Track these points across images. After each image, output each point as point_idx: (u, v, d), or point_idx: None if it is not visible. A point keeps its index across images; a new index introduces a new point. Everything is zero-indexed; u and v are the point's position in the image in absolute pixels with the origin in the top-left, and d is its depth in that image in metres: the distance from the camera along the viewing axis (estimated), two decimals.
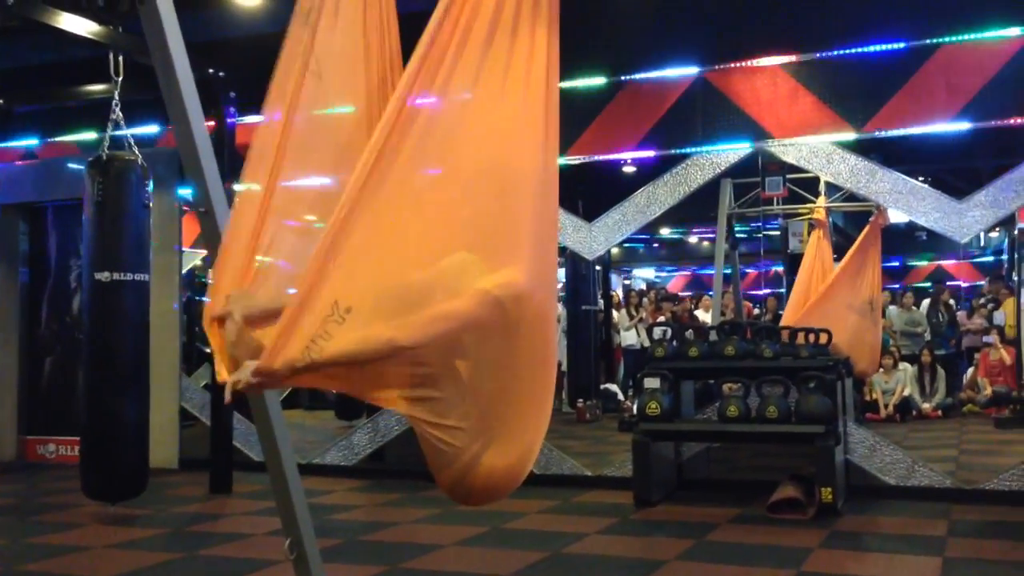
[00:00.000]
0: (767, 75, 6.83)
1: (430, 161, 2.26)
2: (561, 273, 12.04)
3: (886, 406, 9.52)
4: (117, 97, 5.85)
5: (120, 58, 5.79)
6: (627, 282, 15.31)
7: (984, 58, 6.28)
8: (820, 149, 6.69)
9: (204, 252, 9.35)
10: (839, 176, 6.75)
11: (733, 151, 6.95)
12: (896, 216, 7.66)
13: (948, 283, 12.22)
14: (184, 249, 8.48)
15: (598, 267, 10.97)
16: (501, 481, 2.38)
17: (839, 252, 8.40)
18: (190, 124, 3.13)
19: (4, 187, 8.70)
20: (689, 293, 13.58)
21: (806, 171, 7.02)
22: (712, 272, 9.21)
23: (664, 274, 15.96)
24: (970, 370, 10.19)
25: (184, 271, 8.76)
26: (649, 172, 7.38)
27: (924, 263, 13.42)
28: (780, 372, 6.16)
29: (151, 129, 8.40)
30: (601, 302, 11.44)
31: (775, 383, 6.07)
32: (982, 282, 12.47)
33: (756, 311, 11.32)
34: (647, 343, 7.42)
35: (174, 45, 3.11)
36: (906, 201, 6.59)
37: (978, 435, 8.66)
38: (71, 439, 8.10)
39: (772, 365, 6.29)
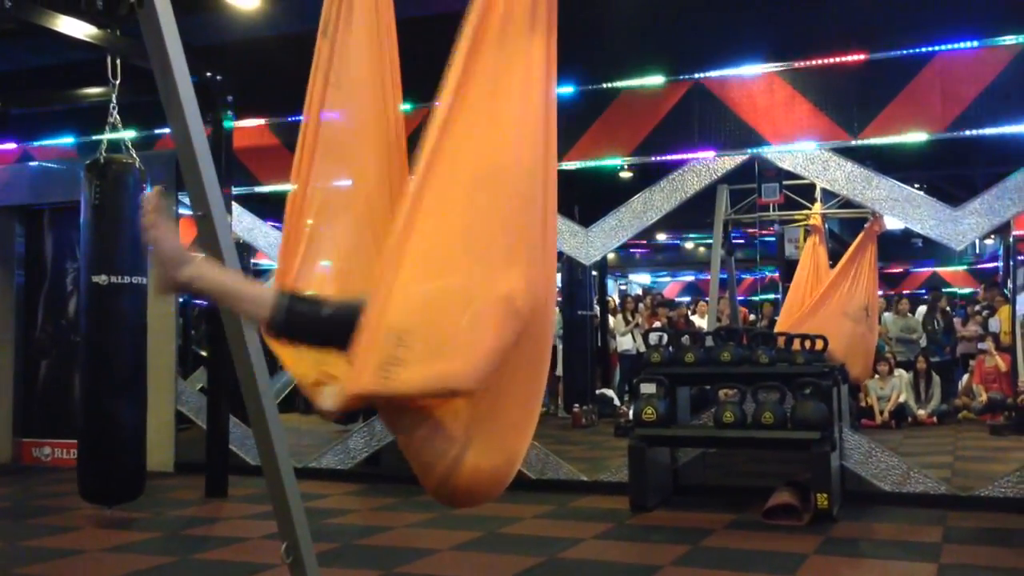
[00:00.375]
0: (764, 82, 6.85)
1: (445, 168, 2.30)
2: (557, 278, 12.06)
3: (882, 412, 9.53)
4: (115, 100, 5.85)
5: (118, 61, 5.80)
6: (623, 287, 15.32)
7: (979, 66, 6.31)
8: (816, 156, 6.72)
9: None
10: (835, 183, 6.77)
11: (730, 157, 6.97)
12: (892, 223, 7.67)
13: (944, 290, 12.24)
14: None
15: (594, 272, 10.98)
16: (486, 483, 2.38)
17: (835, 259, 8.42)
18: (188, 127, 3.13)
19: (1, 189, 8.70)
20: (685, 299, 13.58)
21: (802, 178, 7.04)
22: (708, 278, 9.23)
23: (661, 279, 15.96)
24: (965, 377, 10.20)
25: None
26: (646, 178, 7.40)
27: (920, 270, 13.45)
28: (776, 378, 6.17)
29: (148, 132, 8.40)
30: (597, 307, 11.45)
31: (771, 389, 6.08)
32: (977, 289, 12.50)
33: (752, 317, 11.33)
34: (643, 348, 7.42)
35: (172, 48, 3.12)
36: (902, 208, 6.61)
37: (973, 441, 8.68)
38: (67, 442, 8.09)
39: (768, 371, 6.30)
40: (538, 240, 2.34)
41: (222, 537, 5.65)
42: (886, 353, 9.96)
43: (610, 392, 10.98)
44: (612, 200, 7.40)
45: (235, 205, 7.69)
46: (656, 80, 7.14)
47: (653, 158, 7.17)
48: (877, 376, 9.42)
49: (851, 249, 8.11)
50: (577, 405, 10.23)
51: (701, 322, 10.62)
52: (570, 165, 7.19)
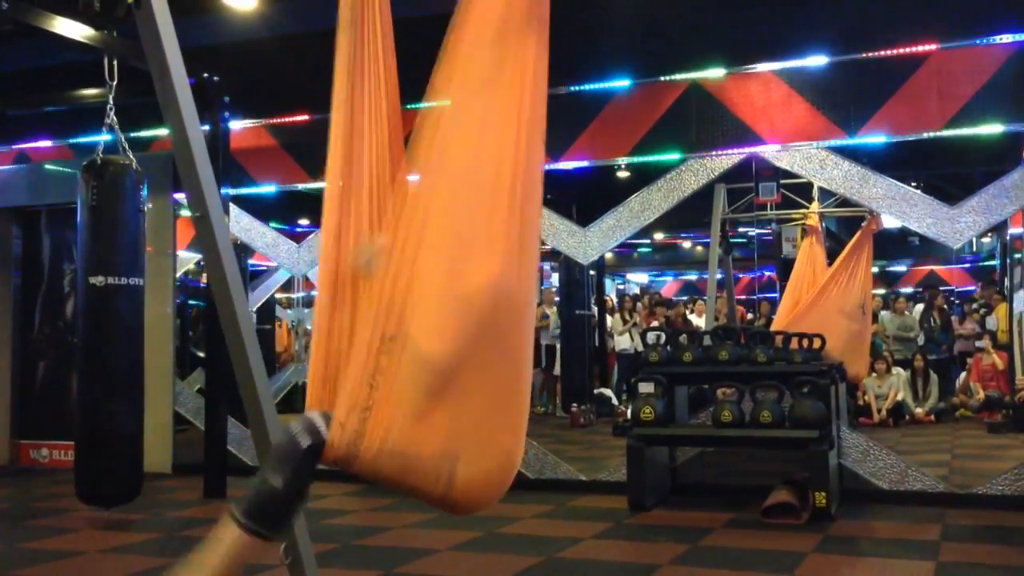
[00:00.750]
0: (761, 81, 6.86)
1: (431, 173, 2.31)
2: (555, 278, 12.07)
3: (879, 411, 9.55)
4: (112, 101, 5.85)
5: (115, 62, 5.79)
6: (621, 287, 15.33)
7: (976, 65, 6.32)
8: (813, 155, 6.72)
9: (198, 256, 9.35)
10: (832, 182, 6.78)
11: (727, 157, 6.97)
12: (889, 221, 7.68)
13: (941, 288, 12.25)
14: (178, 253, 8.49)
15: (592, 272, 10.99)
16: (483, 490, 2.37)
17: (832, 257, 8.43)
18: (185, 128, 3.14)
19: None
20: (683, 298, 13.59)
21: (799, 177, 7.04)
22: (706, 277, 9.24)
23: (658, 279, 15.97)
24: (963, 375, 10.22)
25: (178, 275, 8.76)
26: (643, 177, 7.40)
27: (917, 268, 13.47)
28: (774, 377, 6.17)
29: (146, 133, 8.40)
30: (595, 307, 11.46)
31: (769, 388, 6.08)
32: (974, 287, 12.52)
33: (750, 316, 11.34)
34: (641, 348, 7.42)
35: (169, 49, 3.12)
36: (899, 207, 6.61)
37: (971, 439, 8.69)
38: (65, 443, 8.08)
39: (766, 370, 6.31)
40: (515, 237, 2.34)
41: None
42: (883, 351, 9.97)
43: (608, 391, 10.99)
44: (610, 200, 7.41)
45: (232, 205, 7.69)
46: (653, 80, 7.14)
47: (650, 157, 7.18)
48: (875, 374, 9.43)
49: (848, 247, 8.12)
50: (575, 405, 10.24)
51: (699, 321, 10.62)
52: (567, 165, 7.19)
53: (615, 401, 10.68)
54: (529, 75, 2.42)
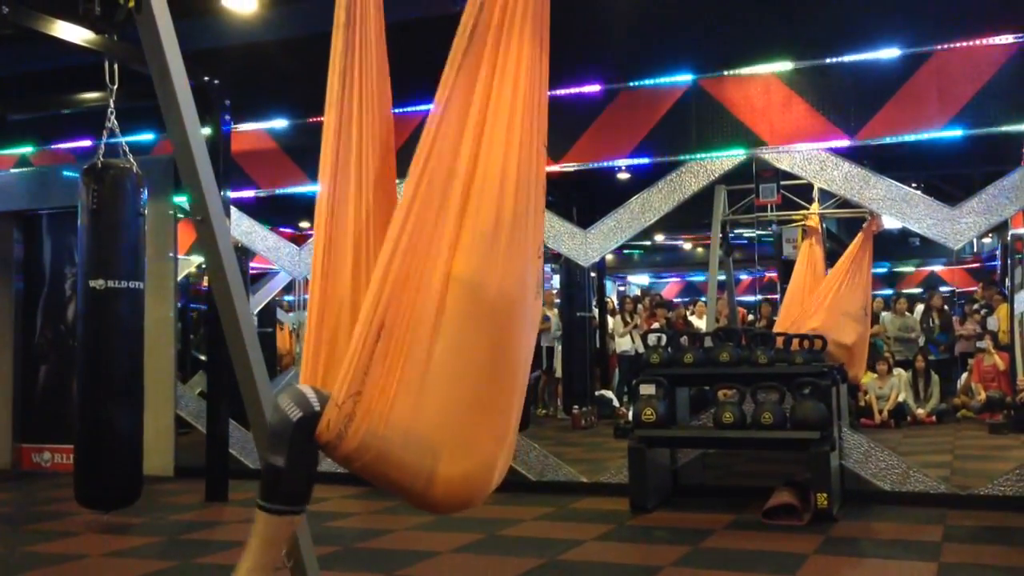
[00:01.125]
0: (761, 83, 6.86)
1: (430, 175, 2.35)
2: (556, 280, 12.06)
3: (880, 412, 9.53)
4: (112, 105, 5.85)
5: (116, 66, 5.80)
6: (622, 288, 15.32)
7: (977, 65, 6.32)
8: (813, 156, 6.73)
9: (199, 259, 9.35)
10: (832, 183, 6.78)
11: (727, 158, 6.98)
12: (889, 222, 7.68)
13: (941, 288, 12.23)
14: (179, 256, 8.49)
15: (593, 274, 10.98)
16: (462, 490, 2.38)
17: (832, 258, 8.43)
18: (186, 131, 3.14)
19: None
20: (684, 299, 13.58)
21: (800, 178, 7.05)
22: (706, 278, 9.23)
23: (659, 280, 15.96)
24: (964, 375, 10.21)
25: (179, 278, 8.76)
26: (644, 179, 7.40)
27: (917, 269, 13.45)
28: (775, 378, 6.17)
29: (146, 137, 8.41)
30: (596, 309, 11.45)
31: (770, 389, 6.08)
32: (975, 288, 12.50)
33: (750, 317, 11.33)
34: (642, 349, 7.41)
35: (170, 53, 3.12)
36: (899, 208, 6.62)
37: (972, 440, 8.68)
38: (66, 447, 8.08)
39: (767, 371, 6.31)
40: (503, 239, 2.36)
41: (222, 541, 5.64)
42: (884, 352, 9.95)
43: (609, 393, 10.99)
44: (610, 201, 7.41)
45: (233, 209, 7.69)
46: (654, 81, 7.14)
47: (651, 159, 7.18)
48: (876, 375, 9.42)
49: (849, 249, 8.11)
50: (576, 407, 10.24)
51: (700, 323, 10.62)
52: (568, 167, 7.19)
53: (616, 403, 10.67)
54: (529, 77, 2.44)
